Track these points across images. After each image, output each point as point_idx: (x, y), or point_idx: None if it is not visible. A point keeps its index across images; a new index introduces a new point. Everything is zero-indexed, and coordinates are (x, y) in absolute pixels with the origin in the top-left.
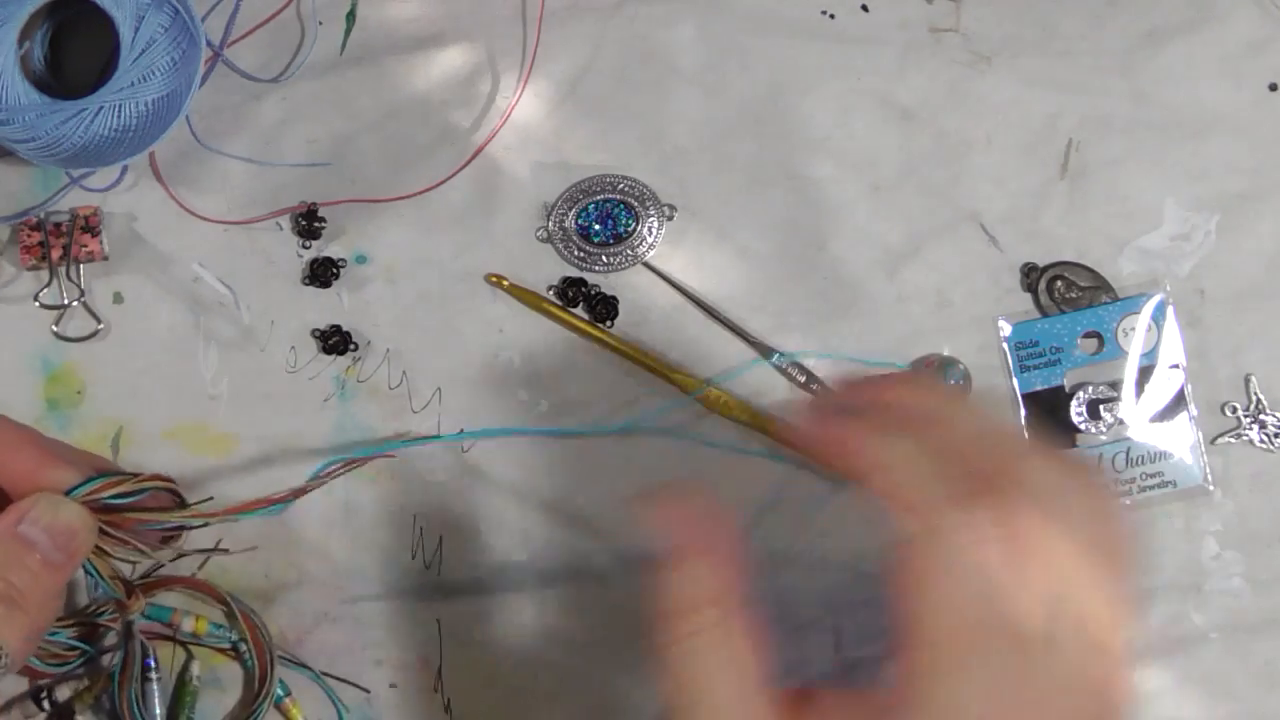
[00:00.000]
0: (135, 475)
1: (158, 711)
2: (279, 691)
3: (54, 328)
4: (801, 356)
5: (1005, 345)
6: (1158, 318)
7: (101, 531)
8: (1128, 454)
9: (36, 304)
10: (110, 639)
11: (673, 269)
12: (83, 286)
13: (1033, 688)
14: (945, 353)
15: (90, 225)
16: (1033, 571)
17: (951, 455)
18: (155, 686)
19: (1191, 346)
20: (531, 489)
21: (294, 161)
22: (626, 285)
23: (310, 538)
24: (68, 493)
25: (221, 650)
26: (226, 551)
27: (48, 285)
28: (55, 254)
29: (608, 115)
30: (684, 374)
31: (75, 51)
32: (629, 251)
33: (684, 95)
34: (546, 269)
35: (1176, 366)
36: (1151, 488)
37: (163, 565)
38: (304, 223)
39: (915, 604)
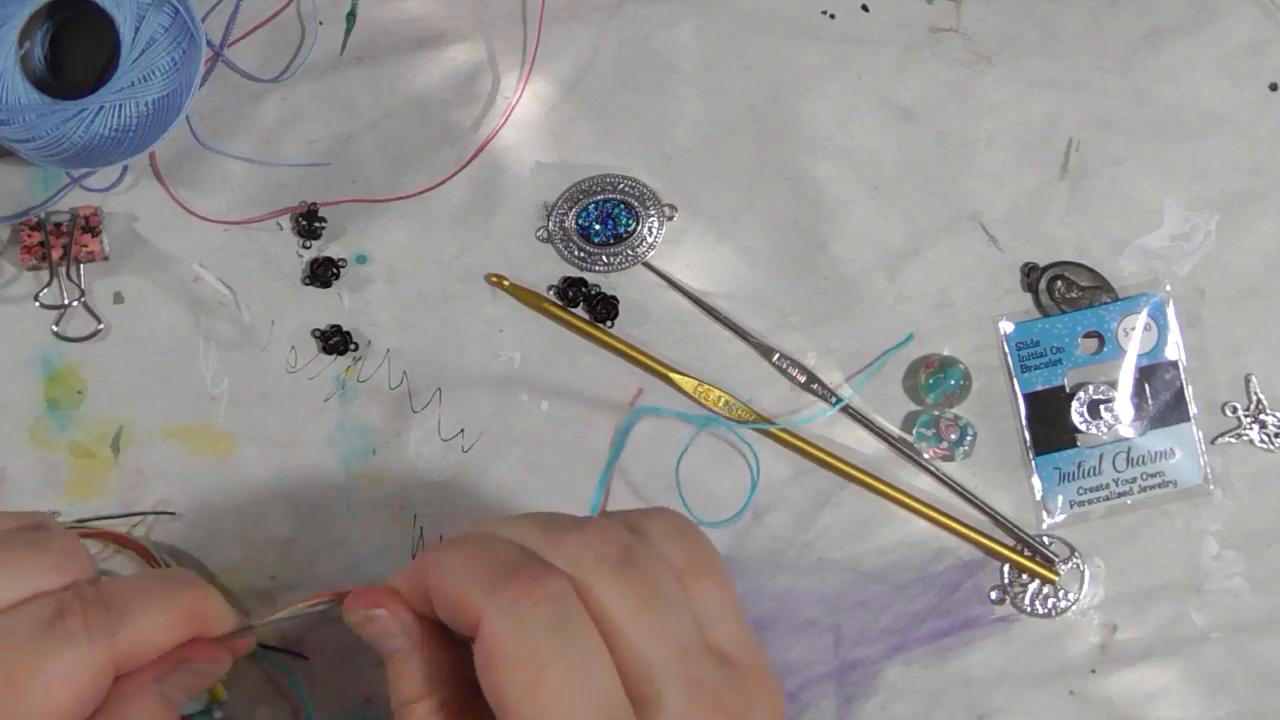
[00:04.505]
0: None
1: None
2: None
3: (54, 328)
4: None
5: (1006, 345)
6: (1158, 317)
7: None
8: (1128, 454)
9: (37, 304)
10: None
11: (673, 269)
12: (83, 286)
13: None
14: (945, 353)
15: (90, 225)
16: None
17: (495, 554)
18: None
19: (1191, 346)
20: (532, 488)
21: (294, 161)
22: (626, 285)
23: (312, 538)
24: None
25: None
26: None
27: (48, 285)
28: (55, 254)
29: (608, 115)
30: (684, 374)
31: (75, 51)
32: (629, 251)
33: (684, 95)
34: (546, 269)
35: (1176, 366)
36: (1151, 488)
37: None
38: (304, 223)
39: (512, 700)
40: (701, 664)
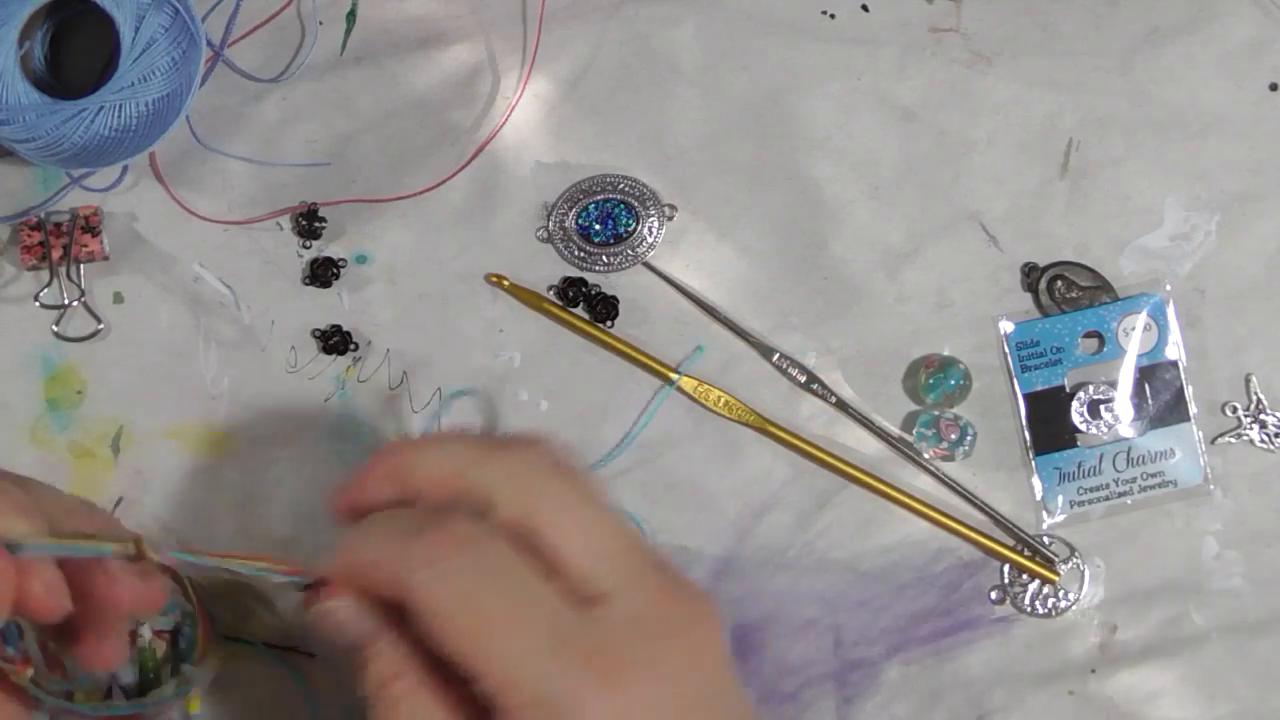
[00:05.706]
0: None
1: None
2: None
3: (54, 328)
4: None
5: (1006, 345)
6: (1158, 317)
7: None
8: (1128, 454)
9: (37, 304)
10: None
11: (673, 269)
12: (83, 286)
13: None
14: (945, 353)
15: (90, 225)
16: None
17: (398, 520)
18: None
19: (1191, 346)
20: None
21: (294, 161)
22: (626, 285)
23: (312, 538)
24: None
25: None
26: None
27: (48, 285)
28: (55, 254)
29: (608, 115)
30: (684, 374)
31: (75, 51)
32: (629, 251)
33: (684, 95)
34: (546, 269)
35: (1176, 366)
36: (1151, 488)
37: None
38: (304, 223)
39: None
40: (643, 559)
